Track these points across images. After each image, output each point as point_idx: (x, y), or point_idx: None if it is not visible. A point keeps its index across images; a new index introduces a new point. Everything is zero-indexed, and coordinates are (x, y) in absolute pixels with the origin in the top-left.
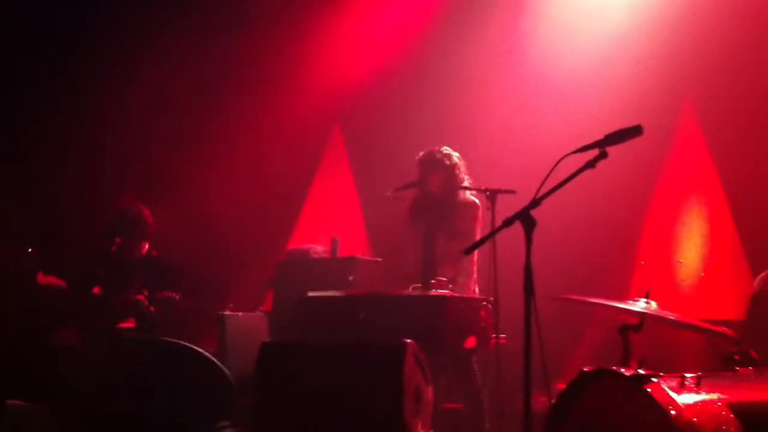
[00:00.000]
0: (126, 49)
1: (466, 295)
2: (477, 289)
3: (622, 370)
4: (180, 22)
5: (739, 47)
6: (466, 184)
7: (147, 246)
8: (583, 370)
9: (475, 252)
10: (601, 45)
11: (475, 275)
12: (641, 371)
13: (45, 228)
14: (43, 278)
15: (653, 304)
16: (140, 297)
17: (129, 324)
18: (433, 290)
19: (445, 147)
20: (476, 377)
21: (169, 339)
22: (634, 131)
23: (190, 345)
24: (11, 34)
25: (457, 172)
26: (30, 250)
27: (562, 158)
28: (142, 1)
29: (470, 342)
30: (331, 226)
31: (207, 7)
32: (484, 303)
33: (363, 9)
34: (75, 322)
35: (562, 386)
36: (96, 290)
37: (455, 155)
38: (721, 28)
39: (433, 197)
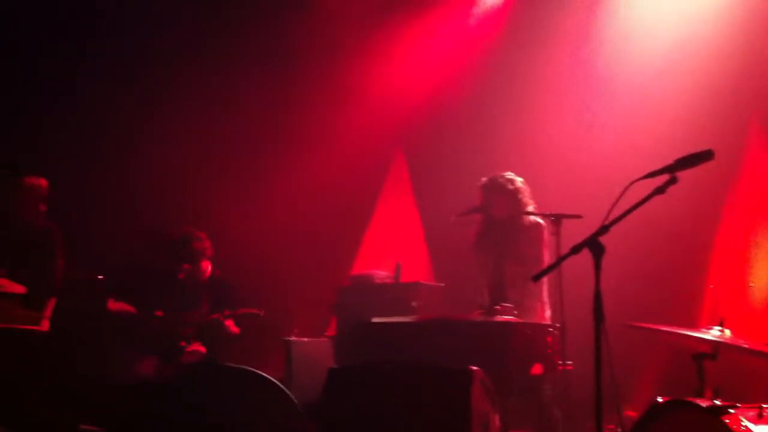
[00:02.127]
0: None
1: (532, 321)
2: (549, 314)
3: (698, 401)
4: (248, 50)
5: None
6: (530, 209)
7: (210, 267)
8: (657, 401)
9: (545, 277)
10: (669, 64)
11: (546, 299)
12: (718, 402)
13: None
14: (113, 305)
15: (727, 332)
16: (219, 317)
17: (198, 347)
18: (499, 316)
19: (509, 172)
20: (549, 403)
21: (235, 365)
22: (705, 156)
23: (256, 371)
24: (37, 49)
25: (521, 197)
26: (101, 277)
27: (631, 183)
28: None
29: (537, 369)
30: (395, 251)
31: (275, 32)
32: (551, 329)
33: (426, 30)
34: (147, 347)
35: (631, 413)
36: (161, 314)
37: (519, 180)
38: None
39: (497, 222)
